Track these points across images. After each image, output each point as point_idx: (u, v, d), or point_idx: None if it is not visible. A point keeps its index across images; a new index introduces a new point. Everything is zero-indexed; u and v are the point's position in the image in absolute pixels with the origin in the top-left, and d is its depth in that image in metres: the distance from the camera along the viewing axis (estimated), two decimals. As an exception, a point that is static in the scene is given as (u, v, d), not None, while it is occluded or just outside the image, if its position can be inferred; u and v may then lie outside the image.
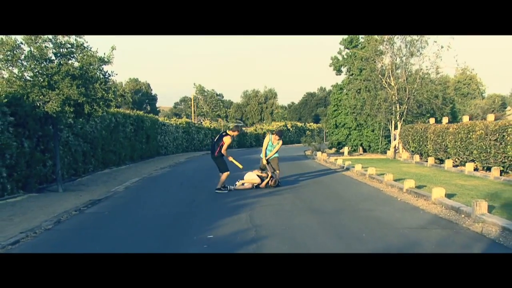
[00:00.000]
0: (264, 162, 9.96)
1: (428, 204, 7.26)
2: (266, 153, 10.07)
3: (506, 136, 10.87)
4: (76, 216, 7.02)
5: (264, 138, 10.58)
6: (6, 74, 9.09)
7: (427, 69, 18.79)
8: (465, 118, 15.01)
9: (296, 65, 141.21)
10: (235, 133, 9.97)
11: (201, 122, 37.89)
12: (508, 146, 10.72)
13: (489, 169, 11.50)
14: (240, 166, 9.70)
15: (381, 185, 9.82)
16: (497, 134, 11.27)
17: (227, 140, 9.37)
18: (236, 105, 68.93)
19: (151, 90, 64.37)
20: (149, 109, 58.21)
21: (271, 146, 10.16)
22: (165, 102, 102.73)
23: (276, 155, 10.20)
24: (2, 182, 8.72)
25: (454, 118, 25.42)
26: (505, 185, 9.58)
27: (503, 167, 11.18)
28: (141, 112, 22.07)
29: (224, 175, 9.28)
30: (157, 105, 65.98)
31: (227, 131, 9.87)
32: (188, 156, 23.53)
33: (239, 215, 6.66)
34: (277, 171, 10.05)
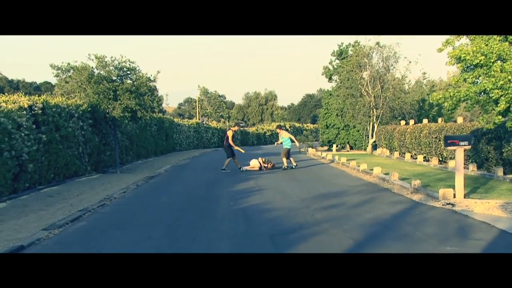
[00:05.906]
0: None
1: (370, 177, 11.29)
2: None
3: (442, 135, 14.89)
4: (145, 183, 11.08)
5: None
6: (87, 90, 13.12)
7: (398, 80, 22.83)
8: (425, 121, 19.03)
9: (296, 67, 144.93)
10: (235, 128, 14.25)
11: (207, 123, 41.85)
12: (441, 142, 14.73)
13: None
14: (242, 151, 14.49)
15: (347, 169, 13.86)
16: (436, 133, 15.30)
17: (229, 134, 13.87)
18: (238, 106, 73.03)
19: (158, 91, 68.30)
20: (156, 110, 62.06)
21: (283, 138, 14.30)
22: (168, 102, 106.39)
23: (285, 146, 14.03)
24: (85, 165, 12.79)
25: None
26: (436, 169, 13.57)
27: (441, 157, 15.21)
28: (161, 114, 26.12)
29: (227, 160, 13.70)
30: (162, 105, 69.88)
31: (231, 128, 14.33)
32: (200, 151, 27.63)
33: (248, 182, 10.73)
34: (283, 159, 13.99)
